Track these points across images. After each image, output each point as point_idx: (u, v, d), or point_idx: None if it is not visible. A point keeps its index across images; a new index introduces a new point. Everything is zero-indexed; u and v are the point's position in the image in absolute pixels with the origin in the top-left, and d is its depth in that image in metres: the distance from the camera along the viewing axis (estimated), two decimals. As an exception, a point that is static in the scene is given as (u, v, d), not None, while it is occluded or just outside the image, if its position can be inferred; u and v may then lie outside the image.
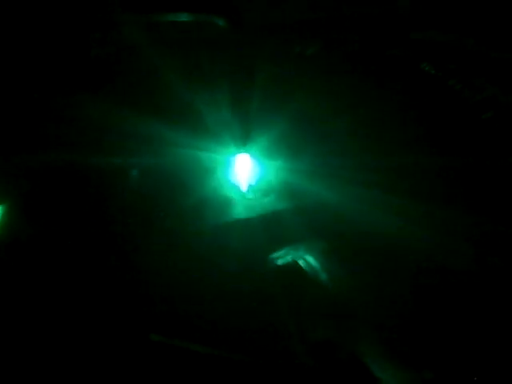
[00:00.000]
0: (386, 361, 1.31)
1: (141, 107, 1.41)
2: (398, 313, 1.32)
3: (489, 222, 1.30)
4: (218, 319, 1.35)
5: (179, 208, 1.41)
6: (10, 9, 1.39)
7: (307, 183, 1.40)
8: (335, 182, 1.37)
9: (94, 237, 1.41)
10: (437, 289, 1.31)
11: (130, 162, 1.44)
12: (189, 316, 1.36)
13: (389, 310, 1.33)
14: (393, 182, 1.34)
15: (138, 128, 1.40)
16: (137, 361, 1.32)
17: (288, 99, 1.38)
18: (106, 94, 1.43)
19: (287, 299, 1.37)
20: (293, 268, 1.41)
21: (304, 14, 1.38)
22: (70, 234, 1.41)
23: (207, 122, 1.41)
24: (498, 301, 1.28)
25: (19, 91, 1.44)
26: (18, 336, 1.33)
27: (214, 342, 1.33)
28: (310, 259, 1.41)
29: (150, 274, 1.40)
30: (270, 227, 1.42)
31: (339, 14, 1.37)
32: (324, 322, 1.36)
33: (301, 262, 1.41)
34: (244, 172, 1.47)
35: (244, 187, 1.48)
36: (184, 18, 1.37)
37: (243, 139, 1.43)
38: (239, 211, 1.46)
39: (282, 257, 1.42)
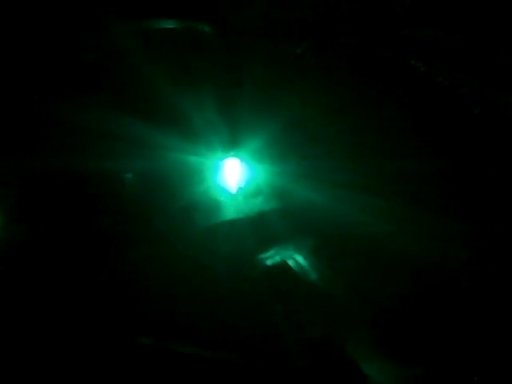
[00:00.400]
0: (375, 357, 1.32)
1: (131, 112, 1.43)
2: (387, 311, 1.34)
3: (479, 225, 1.33)
4: (208, 321, 1.35)
5: (169, 211, 1.43)
6: (6, 15, 1.42)
7: (295, 186, 1.43)
8: (322, 185, 1.40)
9: (86, 239, 1.42)
10: (425, 288, 1.33)
11: (121, 166, 1.46)
12: (179, 318, 1.36)
13: (377, 308, 1.35)
14: (379, 185, 1.37)
15: (129, 132, 1.42)
16: (128, 364, 1.31)
17: (276, 102, 1.41)
18: (97, 98, 1.45)
19: (277, 299, 1.38)
20: (282, 268, 1.43)
21: (294, 14, 1.41)
22: (63, 236, 1.42)
23: (196, 126, 1.44)
24: (486, 302, 1.30)
25: (14, 96, 1.46)
26: (13, 337, 1.32)
27: (205, 344, 1.33)
28: (299, 258, 1.43)
29: (140, 276, 1.40)
30: (259, 228, 1.44)
31: (328, 14, 1.40)
32: (314, 320, 1.36)
33: (290, 262, 1.43)
34: (232, 175, 1.50)
35: (233, 190, 1.50)
36: (172, 24, 1.41)
37: (231, 143, 1.46)
38: (228, 213, 1.48)
39: (271, 257, 1.44)
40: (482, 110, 1.34)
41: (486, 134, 1.34)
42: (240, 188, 1.49)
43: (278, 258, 1.44)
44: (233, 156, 1.48)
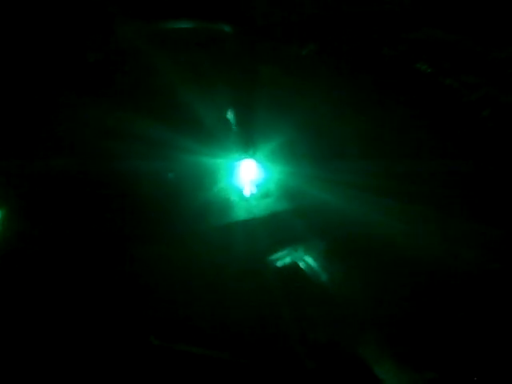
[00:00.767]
0: (387, 361, 1.29)
1: (145, 112, 1.46)
2: (399, 313, 1.33)
3: (489, 226, 1.33)
4: (218, 321, 1.34)
5: (182, 211, 1.44)
6: (14, 14, 1.45)
7: (308, 186, 1.44)
8: (335, 186, 1.41)
9: (98, 240, 1.43)
10: (437, 290, 1.32)
11: (136, 166, 1.48)
12: (190, 318, 1.35)
13: (389, 311, 1.33)
14: (392, 185, 1.38)
15: (143, 133, 1.45)
16: (137, 364, 1.30)
17: (290, 104, 1.44)
18: (111, 98, 1.48)
19: (288, 300, 1.37)
20: (293, 269, 1.43)
21: (301, 14, 1.45)
22: (74, 237, 1.43)
23: (211, 127, 1.46)
24: (497, 303, 1.29)
25: (25, 95, 1.48)
26: (19, 337, 1.31)
27: (215, 345, 1.32)
28: (310, 260, 1.43)
29: (152, 276, 1.40)
30: (271, 229, 1.45)
31: (335, 14, 1.44)
32: (325, 323, 1.35)
33: (300, 263, 1.43)
34: (247, 176, 1.51)
35: (247, 191, 1.51)
36: (190, 24, 1.44)
37: (246, 144, 1.48)
38: (241, 213, 1.49)
39: (282, 258, 1.44)
40: (491, 112, 1.36)
41: (497, 135, 1.36)
42: (254, 189, 1.51)
43: (288, 260, 1.43)
44: (247, 157, 1.50)
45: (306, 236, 1.43)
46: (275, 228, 1.45)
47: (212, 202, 1.47)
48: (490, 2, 1.43)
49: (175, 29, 1.45)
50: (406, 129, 1.42)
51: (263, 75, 1.45)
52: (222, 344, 1.32)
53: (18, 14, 1.47)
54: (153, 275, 1.40)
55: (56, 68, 1.48)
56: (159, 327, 1.35)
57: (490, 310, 1.28)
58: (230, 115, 1.48)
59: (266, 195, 1.50)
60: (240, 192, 1.51)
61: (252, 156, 1.49)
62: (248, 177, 1.51)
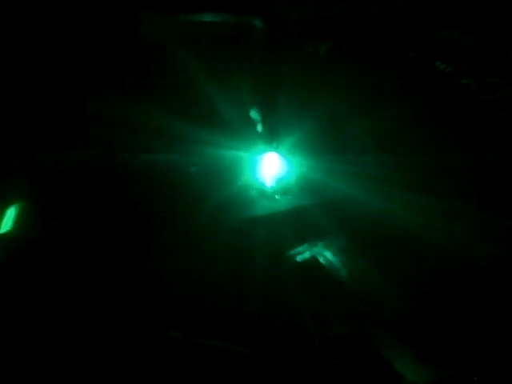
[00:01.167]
0: (408, 357, 1.29)
1: (168, 107, 1.47)
2: (419, 309, 1.32)
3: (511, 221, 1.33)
4: (238, 315, 1.34)
5: (205, 205, 1.44)
6: (36, 11, 1.47)
7: (331, 180, 1.45)
8: (358, 179, 1.42)
9: (119, 234, 1.43)
10: (458, 286, 1.32)
11: (158, 161, 1.48)
12: (210, 311, 1.35)
13: (409, 306, 1.33)
14: (415, 179, 1.39)
15: (166, 127, 1.46)
16: (156, 356, 1.29)
17: (313, 98, 1.45)
18: (136, 93, 1.49)
19: (307, 296, 1.37)
20: (312, 264, 1.43)
21: (319, 13, 1.46)
22: (93, 231, 1.43)
23: (235, 122, 1.47)
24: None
25: (47, 90, 1.49)
26: (34, 332, 1.31)
27: (235, 338, 1.31)
28: (330, 255, 1.43)
29: (173, 270, 1.40)
30: (292, 223, 1.45)
31: (353, 13, 1.46)
32: (344, 318, 1.35)
33: (320, 258, 1.43)
34: (270, 169, 1.52)
35: (270, 184, 1.52)
36: (211, 18, 1.46)
37: (270, 138, 1.49)
38: (263, 208, 1.49)
39: (302, 253, 1.44)
40: (508, 114, 1.37)
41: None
42: (276, 183, 1.51)
43: (308, 254, 1.44)
44: (271, 150, 1.51)
45: (326, 231, 1.44)
46: (296, 222, 1.45)
47: (234, 196, 1.48)
48: (507, 2, 1.45)
49: (200, 22, 1.47)
50: (425, 124, 1.43)
51: (289, 70, 1.46)
52: (241, 338, 1.32)
53: (40, 8, 1.48)
54: (173, 269, 1.40)
55: (82, 63, 1.49)
56: (179, 320, 1.35)
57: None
58: (253, 109, 1.49)
59: (287, 189, 1.51)
60: (262, 186, 1.52)
61: (275, 149, 1.50)
62: (270, 170, 1.52)
